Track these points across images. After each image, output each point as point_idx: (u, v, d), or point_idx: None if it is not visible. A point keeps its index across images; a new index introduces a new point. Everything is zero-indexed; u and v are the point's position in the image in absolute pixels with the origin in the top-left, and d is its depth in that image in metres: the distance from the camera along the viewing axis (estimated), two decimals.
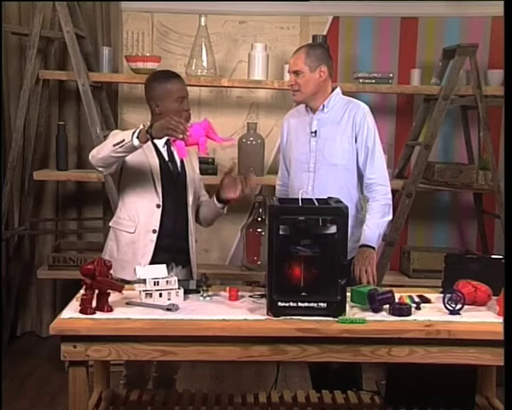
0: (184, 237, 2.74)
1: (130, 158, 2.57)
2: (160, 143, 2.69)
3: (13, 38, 4.08)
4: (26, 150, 4.12)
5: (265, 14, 4.23)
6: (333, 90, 2.86)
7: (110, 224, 2.78)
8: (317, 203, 2.28)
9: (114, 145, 2.40)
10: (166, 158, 2.71)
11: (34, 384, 3.64)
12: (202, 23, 3.91)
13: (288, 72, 2.85)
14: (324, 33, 4.14)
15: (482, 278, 2.41)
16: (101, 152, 2.47)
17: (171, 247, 2.69)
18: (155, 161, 2.66)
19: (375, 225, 2.74)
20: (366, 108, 2.83)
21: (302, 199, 2.26)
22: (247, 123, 4.08)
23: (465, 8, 4.16)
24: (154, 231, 2.65)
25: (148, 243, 2.65)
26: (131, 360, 2.26)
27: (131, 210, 2.67)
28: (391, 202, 2.81)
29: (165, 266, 2.40)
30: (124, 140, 2.38)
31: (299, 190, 2.69)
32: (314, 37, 3.96)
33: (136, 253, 2.64)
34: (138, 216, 2.66)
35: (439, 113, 3.81)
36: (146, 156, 2.63)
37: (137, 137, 2.36)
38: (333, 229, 2.16)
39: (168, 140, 2.68)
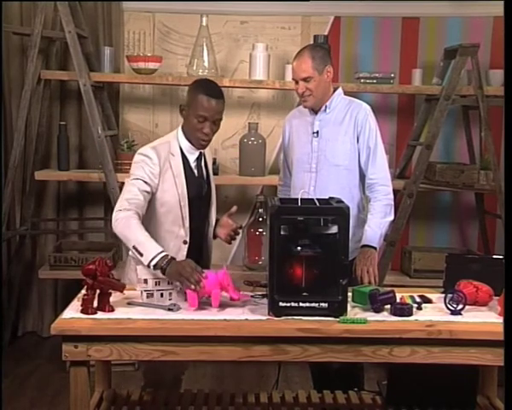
0: (202, 252, 2.69)
1: (159, 194, 2.52)
2: (192, 159, 2.59)
3: (14, 38, 4.08)
4: (28, 150, 4.11)
5: (267, 15, 4.24)
6: (334, 91, 2.86)
7: (130, 253, 2.60)
8: (318, 203, 2.28)
9: (133, 247, 2.33)
10: (196, 174, 2.61)
11: (35, 384, 3.65)
12: (203, 23, 3.91)
13: (294, 79, 2.79)
14: (325, 33, 4.14)
15: (483, 278, 2.41)
16: (122, 237, 2.37)
17: None
18: (184, 191, 2.54)
19: (376, 225, 2.74)
20: (368, 108, 2.83)
21: (303, 199, 2.26)
22: (249, 123, 4.08)
23: (466, 7, 4.16)
24: None
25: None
26: (133, 359, 2.26)
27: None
28: (392, 202, 2.81)
29: None
30: (142, 255, 2.30)
31: (301, 191, 2.69)
32: (315, 37, 3.96)
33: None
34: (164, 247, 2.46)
35: (440, 113, 3.80)
36: (176, 186, 2.53)
37: (154, 265, 2.27)
38: (334, 229, 2.16)
39: (200, 156, 2.61)
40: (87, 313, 2.19)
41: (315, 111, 2.84)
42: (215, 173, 3.94)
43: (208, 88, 2.54)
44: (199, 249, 2.65)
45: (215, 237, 2.74)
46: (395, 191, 3.08)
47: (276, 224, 2.16)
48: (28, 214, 4.09)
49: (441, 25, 4.24)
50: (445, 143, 4.35)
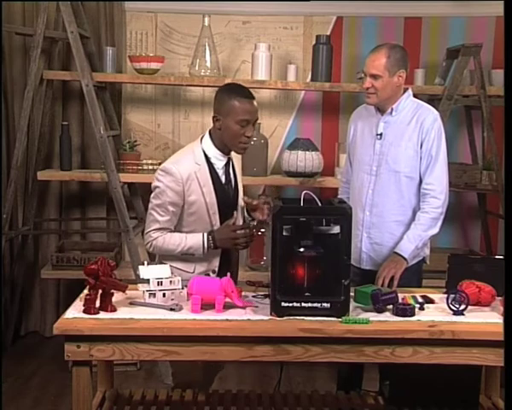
0: (231, 256, 2.70)
1: (187, 206, 2.53)
2: (220, 165, 2.58)
3: (17, 38, 4.08)
4: (30, 150, 4.12)
5: (269, 14, 4.23)
6: (404, 92, 2.78)
7: (163, 261, 2.63)
8: (320, 203, 2.28)
9: (181, 253, 2.52)
10: (224, 180, 2.61)
11: (38, 384, 3.65)
12: (206, 23, 3.91)
13: (363, 72, 2.73)
14: (328, 33, 4.14)
15: (486, 279, 2.41)
16: (168, 253, 2.54)
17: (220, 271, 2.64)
18: (213, 199, 2.55)
19: (415, 237, 2.67)
20: (436, 113, 2.75)
21: (305, 199, 2.26)
22: None
23: (469, 7, 4.15)
24: (213, 272, 2.61)
25: None
26: (135, 359, 2.26)
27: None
28: (441, 216, 2.71)
29: (168, 265, 2.41)
30: (192, 249, 2.51)
31: (360, 191, 2.66)
32: (318, 37, 3.96)
33: None
34: (197, 258, 2.56)
35: (442, 113, 3.79)
36: (203, 195, 2.53)
37: (207, 247, 2.49)
38: (336, 229, 2.16)
39: (228, 162, 2.61)
40: (89, 313, 2.19)
41: (381, 112, 2.78)
42: None
43: (243, 92, 2.53)
44: (230, 252, 2.66)
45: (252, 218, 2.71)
46: None
47: (278, 224, 2.16)
48: (31, 214, 4.09)
49: (443, 25, 4.23)
50: (448, 143, 4.28)
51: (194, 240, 2.51)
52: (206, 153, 2.56)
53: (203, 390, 2.72)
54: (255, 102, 2.55)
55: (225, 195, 2.60)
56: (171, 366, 2.86)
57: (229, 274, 2.32)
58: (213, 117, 2.54)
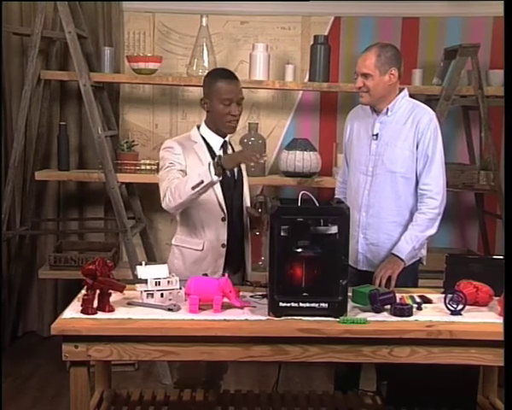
0: (242, 245, 2.75)
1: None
2: (217, 146, 2.67)
3: (14, 38, 4.08)
4: (28, 150, 4.12)
5: (267, 15, 4.24)
6: (400, 92, 2.77)
7: (173, 242, 2.72)
8: (318, 204, 2.28)
9: (194, 188, 2.42)
10: None
11: (36, 384, 3.65)
12: (204, 23, 3.91)
13: (356, 73, 2.74)
14: (326, 33, 4.15)
15: (483, 279, 2.41)
16: (181, 196, 2.46)
17: (233, 257, 2.68)
18: None
19: (412, 237, 2.67)
20: (432, 113, 2.75)
21: (303, 200, 2.26)
22: (249, 123, 4.08)
23: (466, 8, 4.16)
24: (223, 246, 2.63)
25: (219, 258, 2.63)
26: (133, 359, 2.26)
27: (197, 226, 2.64)
28: (438, 216, 2.70)
29: (166, 265, 2.40)
30: (202, 181, 2.40)
31: (356, 192, 2.66)
32: (315, 37, 3.96)
33: (207, 269, 2.61)
34: (205, 232, 2.63)
35: (440, 113, 3.80)
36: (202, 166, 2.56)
37: (216, 174, 2.39)
38: (334, 229, 2.16)
39: (224, 143, 2.68)
40: (87, 313, 2.19)
41: (377, 112, 2.77)
42: None
43: (224, 73, 2.67)
44: (238, 226, 2.72)
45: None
46: None
47: (276, 224, 2.16)
48: (28, 214, 4.09)
49: (441, 25, 4.23)
50: (445, 144, 4.28)
51: (201, 168, 2.47)
52: (203, 134, 2.69)
53: (204, 389, 2.72)
54: (238, 82, 2.64)
55: (226, 179, 2.62)
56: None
57: (227, 274, 2.33)
58: (201, 100, 2.67)
